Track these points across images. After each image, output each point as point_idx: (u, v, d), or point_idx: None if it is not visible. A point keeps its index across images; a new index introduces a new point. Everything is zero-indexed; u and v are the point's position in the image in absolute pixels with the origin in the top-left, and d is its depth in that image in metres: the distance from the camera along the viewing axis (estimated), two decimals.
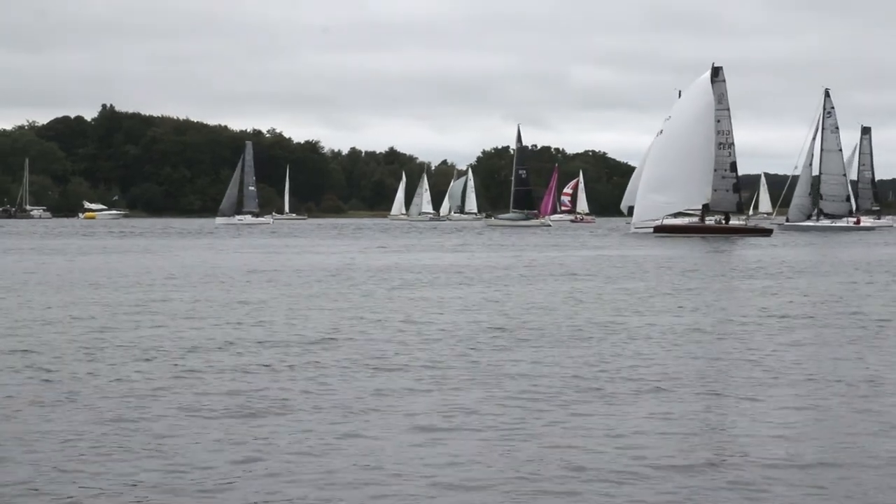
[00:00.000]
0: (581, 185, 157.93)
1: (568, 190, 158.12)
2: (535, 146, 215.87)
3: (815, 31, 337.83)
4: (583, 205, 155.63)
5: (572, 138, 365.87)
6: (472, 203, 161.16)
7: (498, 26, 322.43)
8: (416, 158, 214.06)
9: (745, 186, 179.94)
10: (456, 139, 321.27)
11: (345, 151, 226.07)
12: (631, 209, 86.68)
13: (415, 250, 54.57)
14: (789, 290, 28.89)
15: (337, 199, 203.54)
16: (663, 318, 21.26)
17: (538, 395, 12.62)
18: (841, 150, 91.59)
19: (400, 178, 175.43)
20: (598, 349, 16.71)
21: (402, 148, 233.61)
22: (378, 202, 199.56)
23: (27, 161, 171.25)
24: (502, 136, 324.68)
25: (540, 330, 19.16)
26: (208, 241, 65.65)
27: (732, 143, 79.46)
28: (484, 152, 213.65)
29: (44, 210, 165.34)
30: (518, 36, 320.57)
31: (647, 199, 78.07)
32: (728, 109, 79.42)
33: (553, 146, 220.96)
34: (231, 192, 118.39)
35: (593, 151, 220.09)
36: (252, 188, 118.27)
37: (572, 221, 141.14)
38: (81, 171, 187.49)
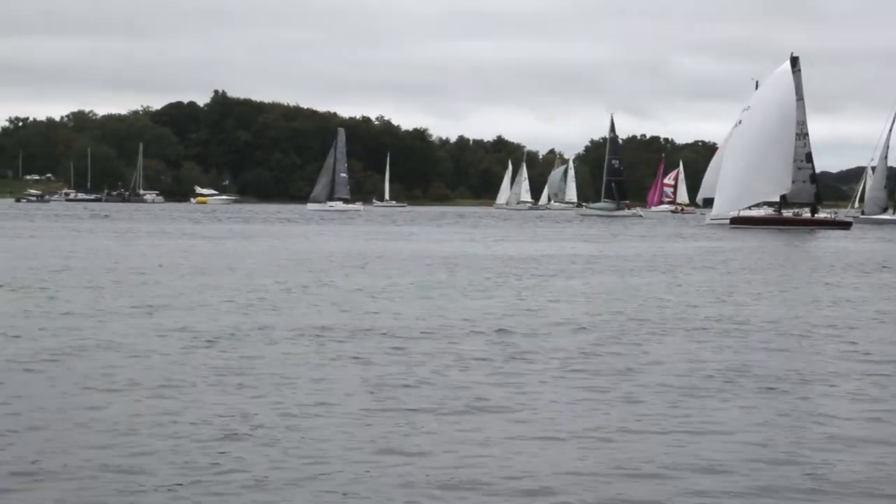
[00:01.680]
0: (682, 176, 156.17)
1: (669, 181, 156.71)
2: (644, 136, 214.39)
3: None
4: (683, 195, 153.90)
5: (681, 128, 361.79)
6: (571, 192, 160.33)
7: (603, 15, 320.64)
8: (524, 147, 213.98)
9: (853, 178, 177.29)
10: (564, 128, 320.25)
11: (452, 139, 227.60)
12: (706, 201, 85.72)
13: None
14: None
15: (444, 186, 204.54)
16: (758, 310, 20.76)
17: (658, 389, 12.48)
18: None
19: (506, 167, 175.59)
20: (719, 343, 16.37)
21: (510, 137, 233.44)
22: (485, 190, 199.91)
23: (141, 146, 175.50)
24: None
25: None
26: (312, 228, 65.69)
27: (807, 134, 78.19)
28: (592, 142, 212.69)
29: (157, 194, 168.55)
30: (624, 25, 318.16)
31: (726, 189, 77.14)
32: (803, 100, 78.15)
33: (662, 136, 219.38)
34: (324, 178, 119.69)
35: (703, 142, 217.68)
36: (343, 175, 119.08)
37: (672, 212, 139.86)
38: (193, 156, 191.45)
